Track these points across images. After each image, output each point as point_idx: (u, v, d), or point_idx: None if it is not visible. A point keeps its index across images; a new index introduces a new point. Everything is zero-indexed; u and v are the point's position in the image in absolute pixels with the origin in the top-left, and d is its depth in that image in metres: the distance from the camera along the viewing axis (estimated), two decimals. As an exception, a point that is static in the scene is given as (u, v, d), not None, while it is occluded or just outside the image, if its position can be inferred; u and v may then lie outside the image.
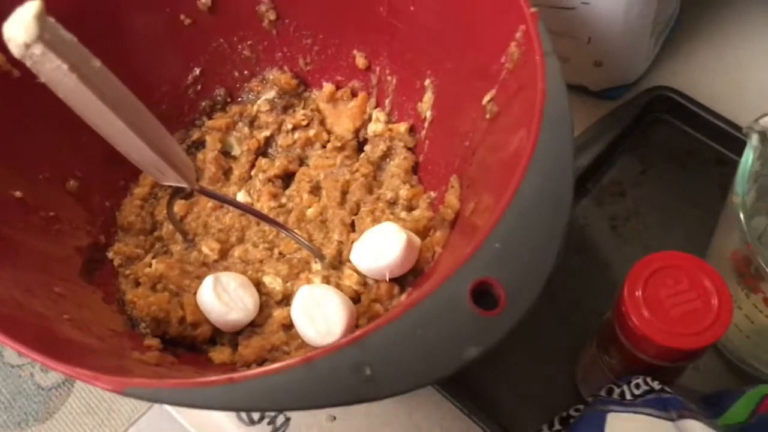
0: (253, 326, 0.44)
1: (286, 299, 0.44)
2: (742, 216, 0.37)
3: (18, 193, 0.41)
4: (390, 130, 0.50)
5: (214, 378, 0.30)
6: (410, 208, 0.47)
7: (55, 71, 0.26)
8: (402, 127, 0.49)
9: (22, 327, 0.34)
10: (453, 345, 0.30)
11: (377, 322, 0.30)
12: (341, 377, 0.29)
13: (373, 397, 0.30)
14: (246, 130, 0.52)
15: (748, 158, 0.38)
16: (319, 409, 0.30)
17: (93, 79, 0.27)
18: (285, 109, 0.52)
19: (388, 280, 0.43)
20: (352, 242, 0.45)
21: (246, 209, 0.44)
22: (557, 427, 0.39)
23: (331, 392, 0.30)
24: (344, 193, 0.48)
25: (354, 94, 0.52)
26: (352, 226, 0.47)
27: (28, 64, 0.26)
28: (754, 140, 0.39)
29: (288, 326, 0.43)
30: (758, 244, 0.36)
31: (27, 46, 0.25)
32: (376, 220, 0.46)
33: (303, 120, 0.51)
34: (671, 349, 0.34)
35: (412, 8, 0.45)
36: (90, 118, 0.30)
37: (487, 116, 0.41)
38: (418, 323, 0.30)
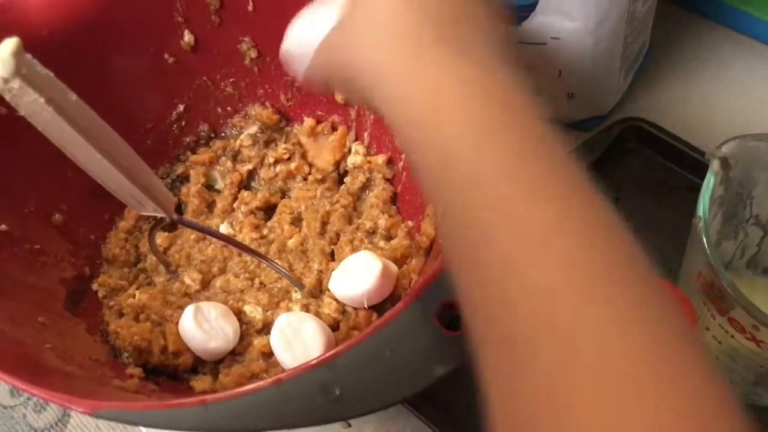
0: (234, 355, 0.44)
1: (266, 328, 0.45)
2: (704, 238, 0.38)
3: (3, 226, 0.43)
4: (369, 162, 0.51)
5: (186, 400, 0.31)
6: (389, 238, 0.48)
7: (32, 104, 0.27)
8: (380, 159, 0.51)
9: (2, 354, 0.35)
10: (420, 364, 0.31)
11: (346, 344, 0.31)
12: (310, 397, 0.30)
13: (342, 416, 0.31)
14: (229, 164, 0.53)
15: (709, 182, 0.39)
16: (289, 429, 0.31)
17: (69, 112, 0.29)
18: (267, 144, 0.54)
19: (366, 307, 0.44)
20: (332, 271, 0.46)
21: (224, 238, 0.45)
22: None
23: (300, 412, 0.30)
24: (324, 223, 0.49)
25: (334, 128, 0.53)
26: (332, 256, 0.48)
27: (7, 97, 0.28)
28: (715, 165, 0.40)
29: (268, 354, 0.44)
30: (721, 266, 0.37)
31: (5, 80, 0.26)
32: (355, 250, 0.47)
33: (285, 154, 0.53)
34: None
35: (386, 45, 0.47)
36: (68, 150, 0.31)
37: (459, 146, 0.42)
38: (386, 343, 0.31)
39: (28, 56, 0.27)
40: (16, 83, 0.26)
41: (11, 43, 0.26)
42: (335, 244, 0.48)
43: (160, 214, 0.38)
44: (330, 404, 0.30)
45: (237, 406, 0.30)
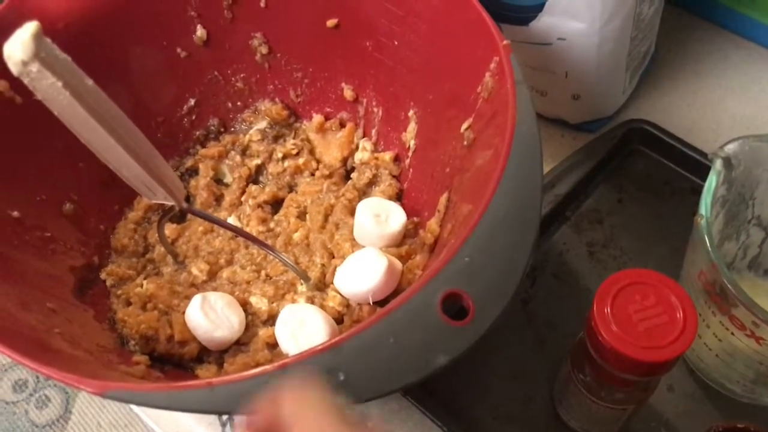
0: (239, 345, 0.45)
1: (271, 319, 0.46)
2: (705, 236, 0.38)
3: (15, 213, 0.43)
4: (376, 158, 0.52)
5: (193, 382, 0.31)
6: (393, 233, 0.48)
7: (50, 88, 0.28)
8: (387, 155, 0.51)
9: (13, 336, 0.35)
10: (423, 352, 0.32)
11: (351, 330, 0.32)
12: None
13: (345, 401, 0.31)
14: (238, 158, 0.54)
15: (711, 181, 0.40)
16: (294, 412, 0.31)
17: (85, 96, 0.29)
18: (276, 139, 0.55)
19: (371, 303, 0.45)
20: (335, 266, 0.46)
21: (232, 228, 0.46)
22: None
23: (305, 396, 0.31)
24: (327, 216, 0.49)
25: (342, 125, 0.54)
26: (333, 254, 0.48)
27: (26, 81, 0.28)
28: (717, 165, 0.40)
29: (272, 345, 0.44)
30: (723, 263, 0.37)
31: (24, 63, 0.27)
32: (356, 245, 0.47)
33: (293, 149, 0.53)
34: (640, 362, 0.35)
35: (395, 43, 0.48)
36: (82, 134, 0.32)
37: (465, 143, 0.43)
38: (390, 331, 0.32)
39: (47, 40, 0.27)
40: (34, 66, 0.27)
41: (31, 26, 0.27)
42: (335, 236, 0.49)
43: (170, 202, 0.38)
44: (334, 389, 0.31)
45: (243, 388, 0.31)
